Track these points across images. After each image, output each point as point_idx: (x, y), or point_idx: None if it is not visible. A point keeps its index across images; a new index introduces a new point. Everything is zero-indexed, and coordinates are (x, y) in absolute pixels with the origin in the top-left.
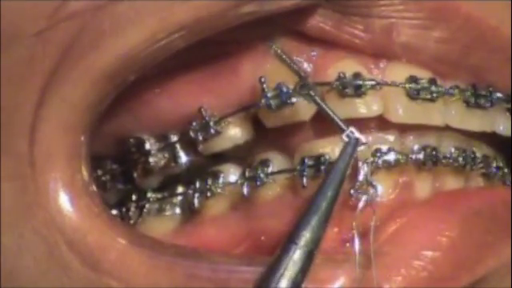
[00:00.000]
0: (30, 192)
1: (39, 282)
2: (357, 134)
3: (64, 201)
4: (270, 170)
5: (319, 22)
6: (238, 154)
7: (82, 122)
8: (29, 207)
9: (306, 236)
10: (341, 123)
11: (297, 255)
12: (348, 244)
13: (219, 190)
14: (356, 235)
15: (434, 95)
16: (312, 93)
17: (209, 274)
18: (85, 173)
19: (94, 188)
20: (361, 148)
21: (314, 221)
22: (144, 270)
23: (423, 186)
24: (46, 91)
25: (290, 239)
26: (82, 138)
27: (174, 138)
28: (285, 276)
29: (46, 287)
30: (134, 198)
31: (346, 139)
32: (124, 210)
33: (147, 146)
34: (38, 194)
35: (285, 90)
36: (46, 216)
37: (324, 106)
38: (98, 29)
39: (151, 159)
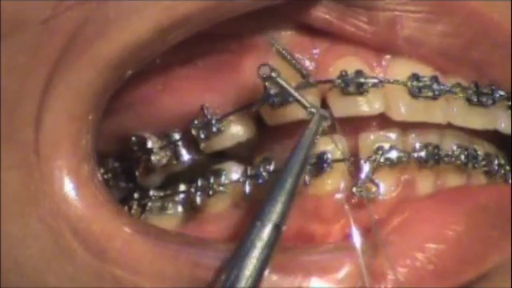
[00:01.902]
0: (35, 180)
1: (44, 271)
2: (321, 110)
3: (69, 189)
4: (272, 167)
5: (324, 13)
6: (240, 152)
7: (87, 111)
8: (34, 196)
9: (272, 212)
10: (304, 101)
11: (264, 232)
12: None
13: (221, 188)
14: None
15: (436, 93)
16: (274, 74)
17: (214, 263)
18: (90, 161)
19: (100, 176)
20: (326, 123)
21: (280, 197)
22: (149, 259)
23: (425, 184)
24: (52, 80)
25: (256, 216)
26: (88, 126)
27: (176, 136)
28: (253, 253)
29: (50, 276)
30: (136, 196)
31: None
32: (126, 208)
33: (149, 144)
34: (43, 182)
35: None
36: (51, 205)
37: (287, 86)
38: (103, 17)
39: (153, 157)
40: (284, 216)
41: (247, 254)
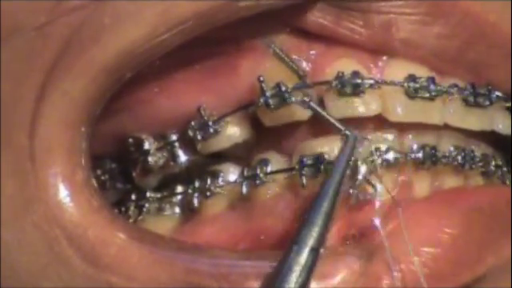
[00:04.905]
0: (30, 187)
1: (39, 277)
2: (355, 132)
3: (64, 196)
4: (268, 169)
5: (319, 17)
6: (237, 154)
7: (82, 117)
8: (29, 202)
9: (309, 236)
10: (337, 123)
11: (301, 256)
12: (348, 242)
13: (218, 190)
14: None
15: (433, 94)
16: (306, 98)
17: (209, 269)
18: (85, 167)
19: (95, 183)
20: (365, 145)
21: (317, 220)
22: (144, 265)
23: (422, 185)
24: (47, 86)
25: (293, 240)
26: (83, 132)
27: (173, 138)
28: (290, 277)
29: (46, 282)
30: (133, 197)
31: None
32: (123, 209)
33: (146, 145)
34: (38, 188)
35: (283, 89)
36: (46, 211)
37: (319, 109)
38: (98, 23)
39: (150, 158)
40: (321, 239)
41: (284, 278)
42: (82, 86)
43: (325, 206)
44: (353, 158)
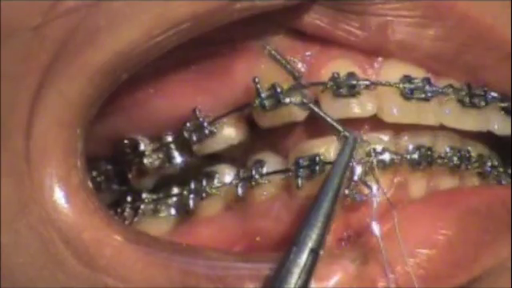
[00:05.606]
0: (25, 188)
1: (35, 279)
2: (354, 133)
3: (60, 197)
4: (264, 170)
5: (315, 19)
6: (233, 155)
7: (78, 118)
8: (25, 203)
9: (308, 237)
10: (336, 125)
11: (300, 257)
12: (343, 243)
13: (214, 191)
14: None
15: (429, 95)
16: (305, 100)
17: (205, 271)
18: (81, 169)
19: (90, 184)
20: (366, 146)
21: (317, 222)
22: (140, 267)
23: (418, 186)
24: (42, 87)
25: (293, 241)
26: (78, 134)
27: (169, 139)
28: (289, 279)
29: (42, 284)
30: (128, 199)
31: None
32: (119, 210)
33: (142, 146)
34: (34, 190)
35: (279, 90)
36: (42, 212)
37: (318, 110)
38: (93, 25)
39: (146, 160)
40: (321, 241)
41: (284, 279)
42: (78, 87)
43: (324, 207)
44: (352, 159)
